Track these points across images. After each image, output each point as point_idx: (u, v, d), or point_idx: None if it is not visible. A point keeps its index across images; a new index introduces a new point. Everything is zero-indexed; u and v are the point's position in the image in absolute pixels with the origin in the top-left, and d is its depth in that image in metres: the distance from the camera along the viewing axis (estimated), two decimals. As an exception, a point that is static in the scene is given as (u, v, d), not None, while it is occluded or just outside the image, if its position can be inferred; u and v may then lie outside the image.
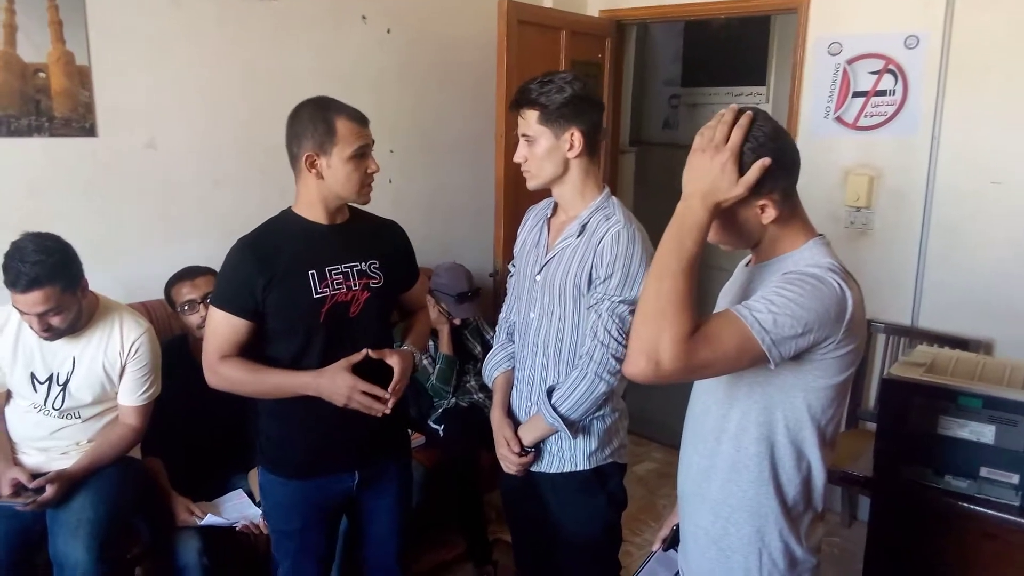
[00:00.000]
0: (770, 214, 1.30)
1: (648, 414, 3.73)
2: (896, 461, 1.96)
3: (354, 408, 1.79)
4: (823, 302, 1.23)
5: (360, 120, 1.80)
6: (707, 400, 1.45)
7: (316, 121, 1.75)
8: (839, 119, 3.27)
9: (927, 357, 2.10)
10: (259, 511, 2.25)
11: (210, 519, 2.26)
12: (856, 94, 3.24)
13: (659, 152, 5.74)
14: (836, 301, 1.24)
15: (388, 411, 1.81)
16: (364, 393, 1.78)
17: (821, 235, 1.37)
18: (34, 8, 2.45)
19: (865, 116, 3.23)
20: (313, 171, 1.77)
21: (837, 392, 1.33)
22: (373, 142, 1.83)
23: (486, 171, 3.60)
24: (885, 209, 3.22)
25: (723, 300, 1.49)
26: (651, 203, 5.70)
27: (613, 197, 1.88)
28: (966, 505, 1.86)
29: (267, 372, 1.81)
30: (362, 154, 1.79)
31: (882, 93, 3.18)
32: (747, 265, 1.47)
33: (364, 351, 1.82)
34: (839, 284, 1.25)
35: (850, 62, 3.23)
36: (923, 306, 3.16)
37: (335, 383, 1.78)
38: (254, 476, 2.27)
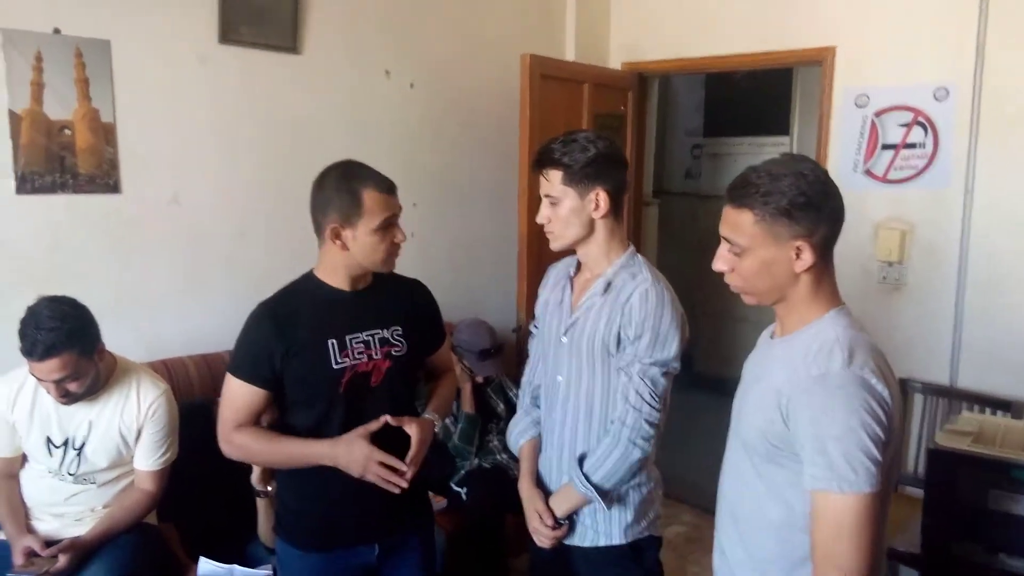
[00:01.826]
0: (805, 260, 1.27)
1: (677, 474, 3.60)
2: (946, 537, 1.86)
3: (370, 480, 1.72)
4: (879, 418, 1.21)
5: (387, 189, 1.75)
6: (739, 485, 1.39)
7: (342, 192, 1.71)
8: (868, 172, 3.22)
9: (973, 425, 2.02)
10: (271, 568, 2.18)
11: (203, 567, 2.15)
12: (885, 147, 3.19)
13: (682, 202, 5.73)
14: (885, 414, 1.22)
15: (405, 486, 1.73)
16: (382, 464, 1.71)
17: (843, 304, 1.34)
18: (61, 65, 2.46)
19: (895, 169, 3.17)
20: (337, 242, 1.73)
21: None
22: (401, 209, 1.78)
23: (509, 225, 3.56)
24: (918, 264, 3.14)
25: (748, 375, 1.44)
26: (675, 254, 5.69)
27: (639, 255, 1.83)
28: (1023, 586, 1.76)
29: (282, 441, 1.75)
30: (389, 225, 1.74)
31: (912, 146, 3.13)
32: (771, 337, 1.41)
33: (384, 418, 1.76)
34: (883, 393, 1.23)
35: (878, 114, 3.19)
36: (962, 365, 3.06)
37: (351, 453, 1.71)
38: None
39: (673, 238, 5.52)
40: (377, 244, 1.73)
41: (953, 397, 3.02)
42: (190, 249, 2.80)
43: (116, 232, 2.64)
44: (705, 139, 5.60)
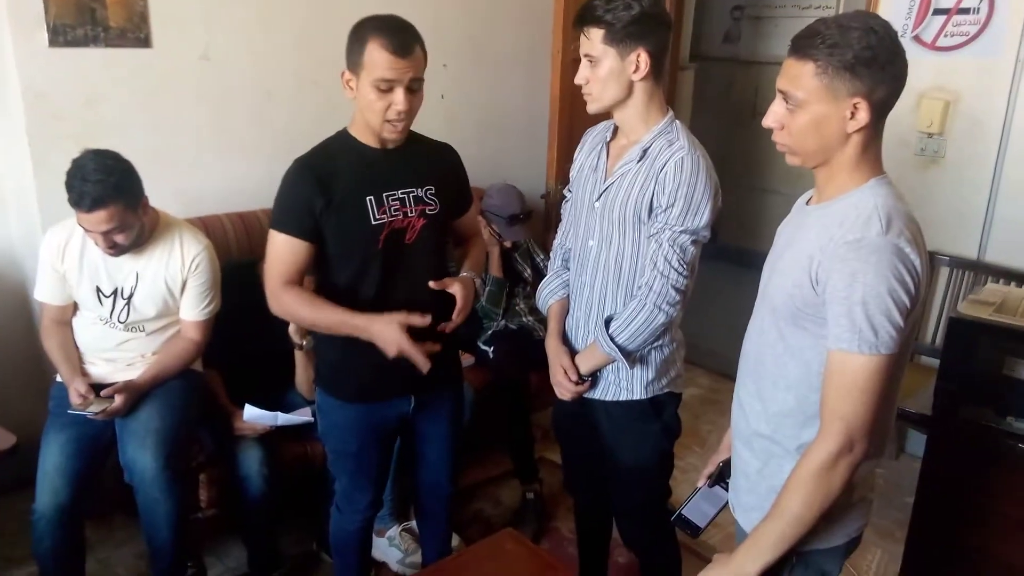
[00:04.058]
0: (860, 120, 1.26)
1: (696, 340, 3.68)
2: (956, 401, 1.93)
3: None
4: (907, 286, 1.23)
5: (396, 50, 1.66)
6: (761, 345, 1.43)
7: (354, 39, 1.70)
8: (916, 38, 3.10)
9: (997, 296, 2.04)
10: (309, 411, 2.32)
11: (249, 412, 2.29)
12: (937, 11, 3.05)
13: (719, 67, 5.55)
14: (914, 283, 1.24)
15: (424, 372, 1.77)
16: (409, 350, 1.74)
17: (885, 174, 1.33)
18: (89, -86, 2.40)
19: (945, 36, 3.04)
20: (348, 90, 1.74)
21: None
22: (409, 78, 1.70)
23: (541, 88, 3.51)
24: (959, 136, 3.06)
25: (780, 240, 1.46)
26: (710, 122, 5.56)
27: (677, 121, 1.80)
28: (1026, 447, 1.84)
29: (326, 308, 1.79)
30: (388, 88, 1.69)
31: (965, 11, 2.98)
32: (807, 204, 1.43)
33: (427, 318, 1.75)
34: (915, 262, 1.25)
35: (932, -24, 3.03)
36: (992, 240, 3.04)
37: (384, 334, 1.74)
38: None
39: (708, 105, 5.39)
40: (374, 103, 1.70)
41: (979, 271, 3.03)
42: (219, 106, 2.81)
43: (148, 88, 2.64)
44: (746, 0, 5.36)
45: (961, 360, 1.93)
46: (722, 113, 5.54)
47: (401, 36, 1.69)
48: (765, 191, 5.19)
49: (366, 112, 1.74)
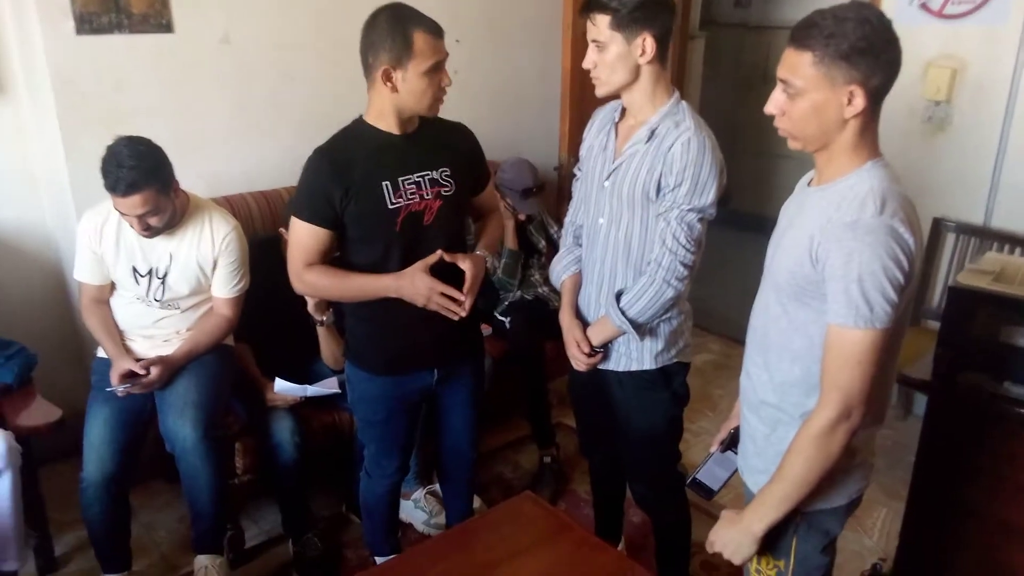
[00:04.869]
0: (856, 106, 1.32)
1: (708, 307, 3.79)
2: (954, 368, 2.01)
3: (433, 309, 1.87)
4: (900, 264, 1.30)
5: (437, 33, 1.79)
6: (766, 319, 1.52)
7: (395, 34, 1.74)
8: (923, 6, 3.11)
9: (996, 265, 2.10)
10: (335, 382, 2.44)
11: (279, 384, 2.40)
12: (945, -22, 3.07)
13: (730, 34, 5.53)
14: (907, 260, 1.31)
15: (464, 314, 1.89)
16: (442, 295, 1.86)
17: (881, 157, 1.40)
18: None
19: (952, 3, 3.06)
20: (388, 84, 1.78)
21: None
22: (447, 55, 1.83)
23: (553, 63, 3.55)
24: (966, 104, 3.10)
25: (783, 220, 1.54)
26: (721, 88, 5.54)
27: (683, 102, 1.86)
28: (1022, 411, 1.91)
29: (350, 277, 1.89)
30: (437, 68, 1.80)
31: (974, -23, 3.00)
32: (808, 185, 1.50)
33: (439, 252, 1.88)
34: (908, 241, 1.31)
35: (941, -58, 3.04)
36: (997, 205, 3.09)
37: (415, 285, 1.85)
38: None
39: (719, 72, 5.39)
40: (426, 88, 1.79)
41: (985, 236, 3.08)
42: (240, 89, 2.88)
43: (171, 72, 2.72)
44: (758, -36, 5.34)
45: (959, 328, 2.00)
46: (733, 79, 5.53)
47: (432, 20, 1.80)
48: (777, 156, 5.20)
49: (417, 99, 1.81)
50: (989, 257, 2.22)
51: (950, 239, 3.21)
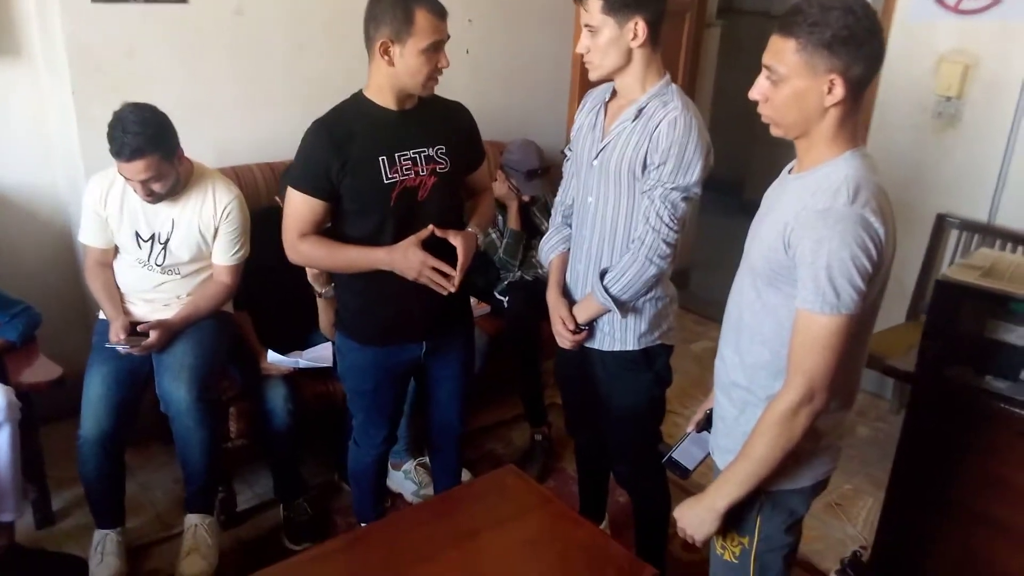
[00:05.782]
0: (836, 95, 1.34)
1: (712, 296, 3.79)
2: (939, 361, 2.01)
3: (423, 283, 1.91)
4: (869, 253, 1.31)
5: (440, 14, 1.82)
6: (741, 302, 1.54)
7: (397, 8, 1.77)
8: (939, 1, 3.08)
9: (987, 260, 2.10)
10: (329, 349, 2.49)
11: (271, 356, 2.46)
12: (963, -27, 3.04)
13: (750, 22, 5.48)
14: (877, 250, 1.32)
15: (453, 289, 1.93)
16: (433, 269, 1.90)
17: (861, 146, 1.41)
18: None
19: (969, -2, 3.03)
20: (386, 57, 1.81)
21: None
22: (448, 37, 1.85)
23: (563, 46, 3.55)
24: (977, 100, 3.07)
25: (763, 206, 1.56)
26: (739, 77, 5.47)
27: (673, 84, 1.89)
28: (1003, 405, 1.91)
29: (343, 248, 1.94)
30: (435, 48, 1.82)
31: (993, -27, 2.97)
32: (789, 172, 1.52)
33: (430, 228, 1.92)
34: (879, 230, 1.32)
35: (959, -64, 3.01)
36: (1003, 203, 3.06)
37: (407, 258, 1.89)
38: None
39: (737, 61, 5.32)
40: (422, 66, 1.82)
41: (988, 233, 3.06)
42: (252, 60, 2.92)
43: (184, 41, 2.77)
44: (781, -47, 5.28)
45: (946, 322, 2.00)
46: (752, 68, 5.46)
47: (436, 0, 1.82)
48: (792, 145, 5.17)
49: (412, 76, 1.84)
50: (981, 252, 2.22)
51: (953, 236, 3.19)
